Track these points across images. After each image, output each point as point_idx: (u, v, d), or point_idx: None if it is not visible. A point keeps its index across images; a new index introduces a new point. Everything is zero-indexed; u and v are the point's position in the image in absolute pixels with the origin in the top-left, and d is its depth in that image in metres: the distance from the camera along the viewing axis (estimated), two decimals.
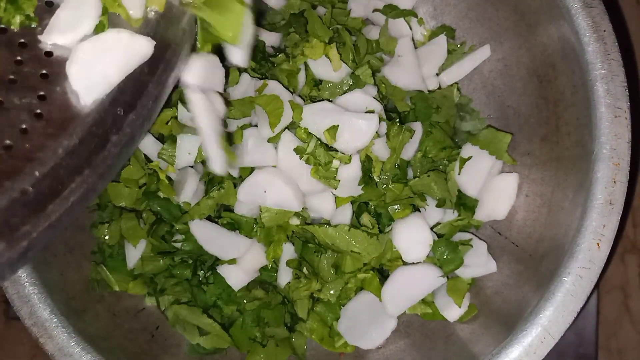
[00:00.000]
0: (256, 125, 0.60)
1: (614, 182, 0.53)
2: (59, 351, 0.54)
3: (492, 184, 0.64)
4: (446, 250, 0.62)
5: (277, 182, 0.59)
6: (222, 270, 0.62)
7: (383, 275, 0.63)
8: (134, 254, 0.63)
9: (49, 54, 0.38)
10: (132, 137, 0.39)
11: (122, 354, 0.59)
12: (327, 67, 0.62)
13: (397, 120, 0.63)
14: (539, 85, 0.62)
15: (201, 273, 0.64)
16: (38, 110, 0.36)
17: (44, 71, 0.37)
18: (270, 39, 0.66)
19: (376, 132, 0.59)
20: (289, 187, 0.59)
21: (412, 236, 0.61)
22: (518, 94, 0.65)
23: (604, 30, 0.54)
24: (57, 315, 0.55)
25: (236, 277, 0.63)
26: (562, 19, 0.55)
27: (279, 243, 0.62)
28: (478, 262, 0.63)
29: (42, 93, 0.36)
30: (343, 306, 0.63)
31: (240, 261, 0.62)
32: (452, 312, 0.62)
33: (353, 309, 0.62)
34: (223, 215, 0.62)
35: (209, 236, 0.61)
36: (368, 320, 0.62)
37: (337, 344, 0.63)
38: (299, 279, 0.62)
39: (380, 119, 0.60)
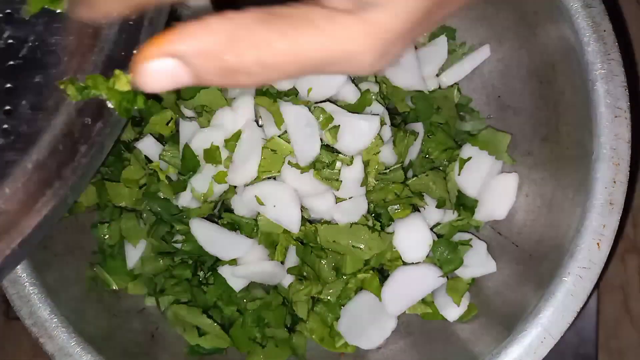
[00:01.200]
0: (262, 126, 0.61)
1: (614, 182, 0.53)
2: (59, 351, 0.54)
3: (492, 184, 0.64)
4: (446, 250, 0.62)
5: (285, 197, 0.59)
6: (223, 270, 0.62)
7: (383, 275, 0.63)
8: (134, 254, 0.63)
9: (12, 66, 0.36)
10: (101, 146, 0.37)
11: (122, 354, 0.59)
12: None
13: (401, 122, 0.63)
14: (539, 85, 0.62)
15: (201, 274, 0.64)
16: (5, 126, 0.35)
17: (9, 85, 0.36)
18: None
19: (381, 140, 0.59)
20: (295, 207, 0.59)
21: (412, 236, 0.61)
22: (518, 94, 0.65)
23: (604, 30, 0.54)
24: (57, 315, 0.55)
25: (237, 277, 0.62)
26: (562, 19, 0.55)
27: (284, 247, 0.62)
28: (478, 262, 0.63)
29: (8, 107, 0.35)
30: (343, 306, 0.63)
31: (241, 262, 0.62)
32: (452, 311, 0.62)
33: (353, 308, 0.62)
34: (224, 215, 0.62)
35: (210, 236, 0.61)
36: (368, 320, 0.62)
37: (337, 344, 0.63)
38: (301, 280, 0.62)
39: (384, 124, 0.60)
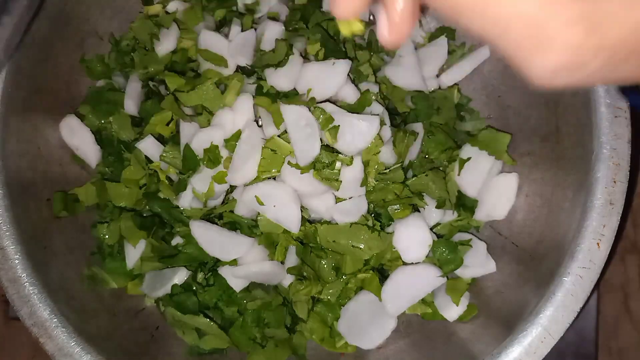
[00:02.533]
0: (261, 126, 0.61)
1: (614, 182, 0.53)
2: (59, 351, 0.54)
3: (492, 184, 0.64)
4: (446, 250, 0.62)
5: (284, 197, 0.59)
6: (223, 271, 0.62)
7: (383, 275, 0.63)
8: (134, 254, 0.63)
9: None
10: None
11: (122, 354, 0.59)
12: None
13: (401, 122, 0.63)
14: None
15: (201, 274, 0.64)
16: None
17: None
18: (274, 29, 0.65)
19: (381, 140, 0.59)
20: (295, 207, 0.59)
21: (412, 236, 0.61)
22: (518, 94, 0.65)
23: None
24: (57, 315, 0.55)
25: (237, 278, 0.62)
26: None
27: (284, 247, 0.62)
28: (477, 262, 0.63)
29: None
30: (343, 306, 0.63)
31: (241, 262, 0.62)
32: (452, 311, 0.62)
33: (353, 308, 0.62)
34: (224, 216, 0.62)
35: (210, 237, 0.61)
36: (368, 320, 0.62)
37: (337, 344, 0.63)
38: (301, 280, 0.62)
39: (384, 124, 0.60)
